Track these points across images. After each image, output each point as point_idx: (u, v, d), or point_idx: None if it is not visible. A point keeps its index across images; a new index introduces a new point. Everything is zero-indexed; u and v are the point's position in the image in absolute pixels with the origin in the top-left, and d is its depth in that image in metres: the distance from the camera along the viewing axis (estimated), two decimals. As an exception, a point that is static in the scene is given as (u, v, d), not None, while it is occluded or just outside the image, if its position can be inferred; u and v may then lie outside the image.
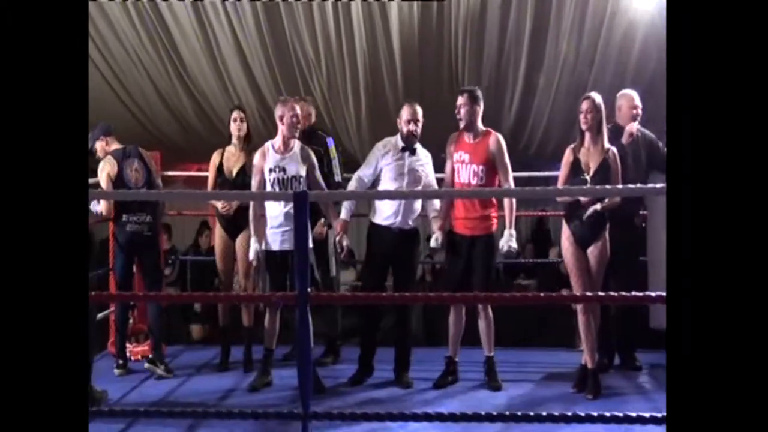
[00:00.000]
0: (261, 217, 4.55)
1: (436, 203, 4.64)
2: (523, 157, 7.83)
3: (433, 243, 4.54)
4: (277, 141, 4.52)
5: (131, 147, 4.99)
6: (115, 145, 4.98)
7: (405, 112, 4.57)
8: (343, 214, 4.56)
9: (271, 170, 4.48)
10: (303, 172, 4.47)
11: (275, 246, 4.49)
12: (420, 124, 4.58)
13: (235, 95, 7.46)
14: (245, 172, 4.85)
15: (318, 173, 4.58)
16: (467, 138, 4.48)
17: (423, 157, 4.63)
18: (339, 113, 7.52)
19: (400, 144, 4.58)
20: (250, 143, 4.99)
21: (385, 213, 4.58)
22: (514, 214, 4.42)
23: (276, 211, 4.47)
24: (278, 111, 4.51)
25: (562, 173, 4.36)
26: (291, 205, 4.26)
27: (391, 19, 6.67)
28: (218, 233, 5.09)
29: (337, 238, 4.54)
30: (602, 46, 6.65)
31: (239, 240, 4.97)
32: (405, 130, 4.54)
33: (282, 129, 4.48)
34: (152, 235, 4.99)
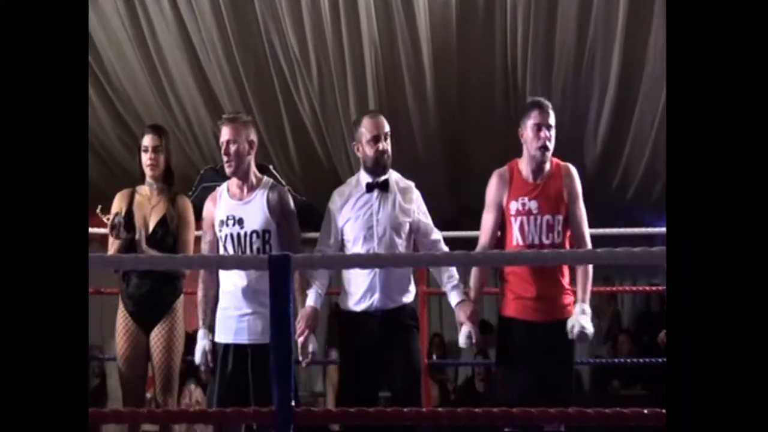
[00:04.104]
0: (213, 298, 4.47)
1: (452, 268, 4.46)
2: (616, 204, 7.81)
3: (462, 342, 4.34)
4: (233, 182, 4.52)
5: None
6: None
7: (367, 127, 4.43)
8: (311, 299, 4.40)
9: (222, 222, 4.41)
10: (271, 226, 4.43)
11: (227, 337, 4.40)
12: (389, 142, 4.44)
13: (181, 111, 7.55)
14: (166, 225, 4.77)
15: (297, 230, 4.51)
16: (529, 175, 4.37)
17: (402, 192, 4.49)
18: (337, 136, 7.58)
19: (365, 180, 4.47)
20: (173, 183, 4.89)
21: (356, 292, 4.41)
22: (590, 282, 4.29)
23: (230, 285, 4.39)
24: (226, 135, 4.39)
25: None
26: (254, 276, 4.26)
27: (417, 6, 6.75)
28: (121, 321, 4.84)
29: (300, 339, 4.35)
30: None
31: (156, 334, 4.79)
32: (371, 152, 4.41)
33: (231, 161, 4.37)
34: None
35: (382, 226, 4.43)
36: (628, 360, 7.40)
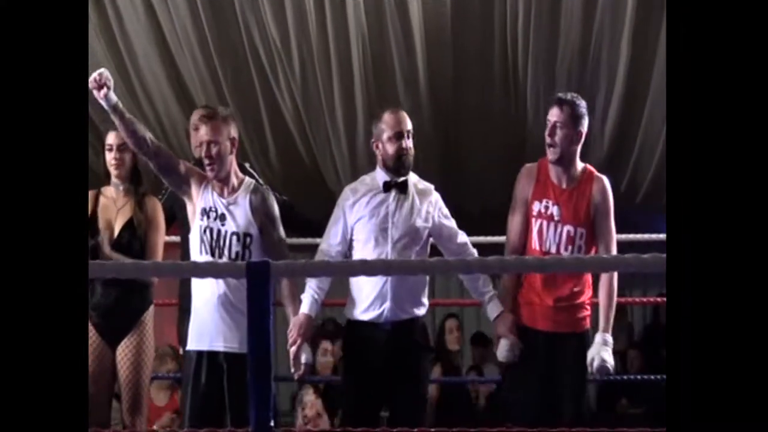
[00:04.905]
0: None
1: (485, 276, 4.45)
2: (625, 208, 7.79)
3: (501, 354, 4.36)
4: (214, 181, 4.49)
5: None
6: None
7: (388, 123, 4.47)
8: (305, 306, 4.41)
9: (204, 212, 4.41)
10: (253, 230, 4.43)
11: (200, 344, 4.40)
12: (411, 140, 4.48)
13: (150, 106, 7.53)
14: (133, 228, 4.78)
15: (281, 234, 4.51)
16: (558, 178, 4.37)
17: (420, 195, 4.52)
18: (322, 136, 7.55)
19: (382, 178, 4.50)
20: (141, 183, 4.90)
21: (364, 299, 4.45)
22: (613, 308, 4.34)
23: (205, 288, 4.38)
24: (205, 135, 4.40)
25: None
26: (231, 280, 4.22)
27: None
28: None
29: (292, 349, 4.37)
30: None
31: (123, 348, 4.79)
32: (392, 150, 4.45)
33: (213, 163, 4.39)
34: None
35: (397, 230, 4.44)
36: (636, 377, 7.37)
